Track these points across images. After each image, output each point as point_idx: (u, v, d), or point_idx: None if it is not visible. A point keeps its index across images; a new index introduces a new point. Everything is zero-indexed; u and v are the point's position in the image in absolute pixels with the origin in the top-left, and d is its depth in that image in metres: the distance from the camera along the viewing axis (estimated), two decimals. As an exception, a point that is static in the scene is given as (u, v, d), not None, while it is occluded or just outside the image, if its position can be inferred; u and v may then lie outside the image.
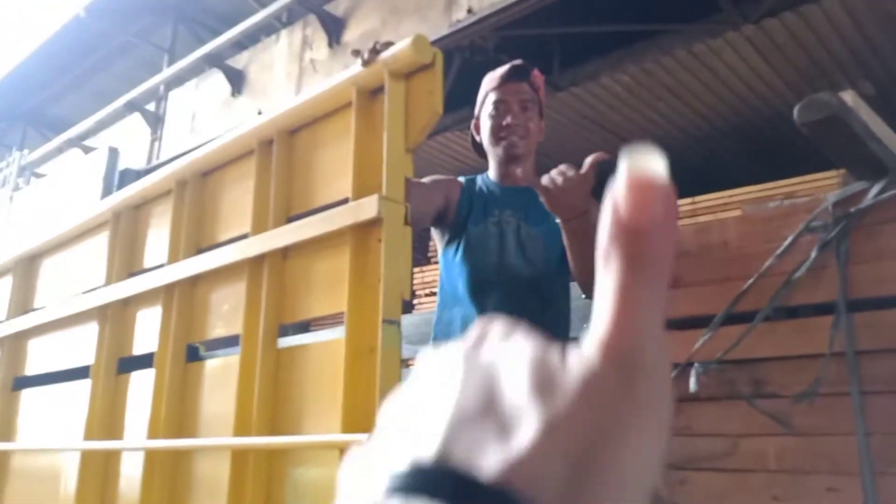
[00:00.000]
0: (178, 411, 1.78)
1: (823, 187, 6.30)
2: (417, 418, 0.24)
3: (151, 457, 1.77)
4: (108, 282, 2.18)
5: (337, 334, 1.46)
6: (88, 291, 2.30)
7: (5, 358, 2.64)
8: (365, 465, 0.24)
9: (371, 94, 1.50)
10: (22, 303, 2.72)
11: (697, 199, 6.73)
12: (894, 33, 5.39)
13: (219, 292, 1.78)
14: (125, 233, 2.19)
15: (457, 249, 1.84)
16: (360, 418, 1.29)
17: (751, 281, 1.30)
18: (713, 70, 6.03)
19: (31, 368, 2.54)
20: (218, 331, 1.75)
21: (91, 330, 2.19)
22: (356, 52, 1.46)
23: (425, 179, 1.90)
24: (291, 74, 7.67)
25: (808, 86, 6.13)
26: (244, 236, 1.72)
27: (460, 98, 5.93)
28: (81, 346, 2.24)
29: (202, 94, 8.95)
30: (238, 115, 8.07)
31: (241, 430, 1.54)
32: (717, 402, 1.43)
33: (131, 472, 1.89)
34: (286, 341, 1.60)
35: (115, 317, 2.12)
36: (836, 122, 1.20)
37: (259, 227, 1.67)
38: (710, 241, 1.48)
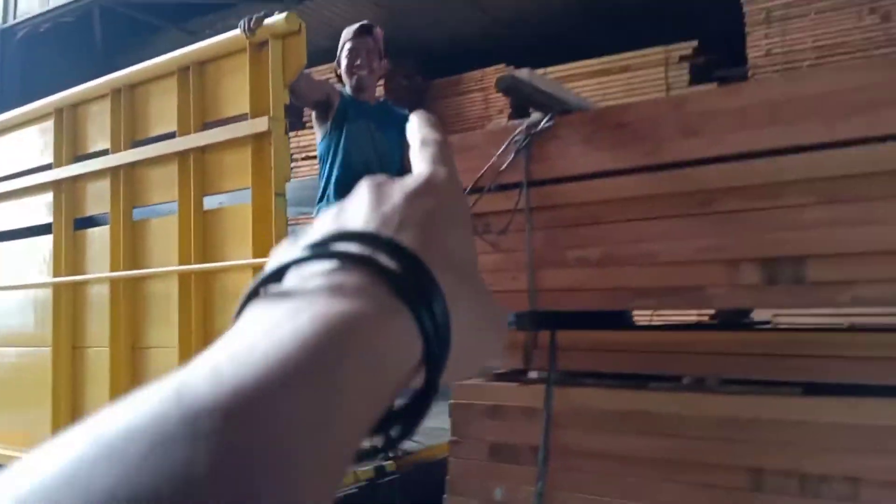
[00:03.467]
0: (131, 254, 2.66)
1: (653, 61, 7.41)
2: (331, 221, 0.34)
3: (116, 284, 2.66)
4: (58, 164, 2.94)
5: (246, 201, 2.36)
6: (38, 170, 3.04)
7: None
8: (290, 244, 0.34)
9: (258, 46, 2.33)
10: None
11: (549, 69, 7.74)
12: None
13: (154, 172, 2.62)
14: (68, 125, 2.92)
15: (339, 139, 2.82)
16: (264, 250, 2.24)
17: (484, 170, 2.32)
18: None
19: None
20: (157, 198, 2.61)
21: (46, 199, 2.97)
22: (243, 24, 2.28)
23: (316, 76, 2.81)
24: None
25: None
26: (171, 134, 2.55)
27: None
28: (39, 211, 3.01)
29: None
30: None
31: (183, 262, 2.46)
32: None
33: (99, 300, 2.77)
34: (210, 204, 2.49)
35: (68, 189, 2.91)
36: (521, 86, 2.21)
37: (183, 129, 2.51)
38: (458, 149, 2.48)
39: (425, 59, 8.54)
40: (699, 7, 8.05)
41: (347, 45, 3.00)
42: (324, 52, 8.62)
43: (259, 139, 2.29)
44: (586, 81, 7.69)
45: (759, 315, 2.99)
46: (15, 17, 9.18)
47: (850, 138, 1.83)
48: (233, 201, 2.51)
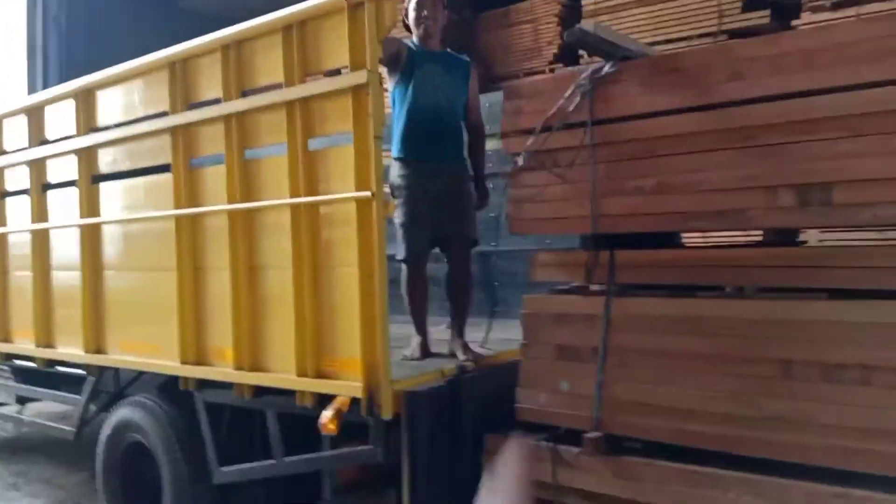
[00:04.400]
0: (245, 189, 3.11)
1: None
2: None
3: (234, 214, 3.11)
4: (173, 111, 3.37)
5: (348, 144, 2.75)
6: (156, 116, 3.48)
7: (85, 162, 3.85)
8: None
9: (354, 7, 2.68)
10: (87, 122, 3.86)
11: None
12: None
13: (264, 118, 3.04)
14: (181, 77, 3.34)
15: (407, 87, 3.18)
16: (365, 185, 2.65)
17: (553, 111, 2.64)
18: None
19: (114, 167, 3.76)
20: (267, 140, 3.03)
21: (165, 141, 3.41)
22: None
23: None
24: None
25: None
26: (278, 85, 2.95)
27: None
28: (158, 152, 3.47)
29: None
30: None
31: (293, 195, 2.89)
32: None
33: (216, 230, 3.22)
34: (316, 145, 2.90)
35: (184, 133, 3.35)
36: (587, 38, 2.53)
37: (289, 81, 2.90)
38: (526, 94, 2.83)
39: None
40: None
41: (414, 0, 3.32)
42: None
43: (357, 89, 2.67)
44: (638, 11, 7.60)
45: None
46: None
47: (874, 81, 2.14)
48: (331, 144, 2.91)
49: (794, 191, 2.29)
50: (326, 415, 2.71)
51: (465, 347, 3.19)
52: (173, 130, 3.39)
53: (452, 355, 3.19)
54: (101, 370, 3.95)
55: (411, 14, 3.32)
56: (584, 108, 2.66)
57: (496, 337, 3.53)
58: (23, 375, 4.75)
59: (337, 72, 2.86)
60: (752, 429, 2.34)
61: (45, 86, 8.17)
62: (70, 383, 4.31)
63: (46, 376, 4.45)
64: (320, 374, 2.90)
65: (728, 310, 2.46)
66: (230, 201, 3.15)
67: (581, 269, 2.79)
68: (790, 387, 2.30)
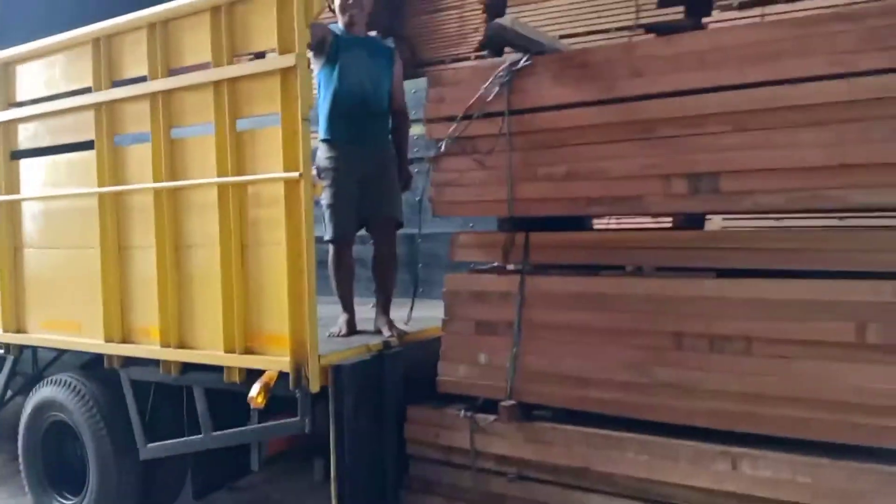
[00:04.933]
0: (171, 168, 3.15)
1: None
2: None
3: (159, 192, 3.16)
4: (97, 88, 3.36)
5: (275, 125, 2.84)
6: (78, 92, 3.46)
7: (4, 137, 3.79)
8: None
9: (283, -10, 2.77)
10: (6, 97, 3.80)
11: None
12: None
13: (190, 97, 3.08)
14: (105, 53, 3.34)
15: (333, 71, 3.26)
16: (293, 166, 2.75)
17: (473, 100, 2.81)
18: None
19: (35, 143, 3.72)
20: (194, 119, 3.08)
21: (88, 117, 3.41)
22: None
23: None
24: None
25: None
26: (205, 65, 3.00)
27: None
28: (81, 129, 3.46)
29: None
30: None
31: (221, 174, 2.96)
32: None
33: (142, 208, 3.25)
34: (243, 125, 2.97)
35: (108, 110, 3.35)
36: (505, 33, 2.71)
37: (217, 61, 2.96)
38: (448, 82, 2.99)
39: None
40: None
41: None
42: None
43: (286, 72, 2.75)
44: (559, 2, 7.84)
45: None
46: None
47: (757, 81, 2.38)
48: (258, 125, 2.99)
49: (686, 179, 2.53)
50: (255, 388, 2.81)
51: (390, 324, 3.33)
52: (97, 107, 3.38)
53: (378, 332, 3.33)
54: (21, 349, 3.91)
55: (338, 0, 3.40)
56: (503, 98, 2.84)
57: (419, 315, 3.69)
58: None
59: (262, 54, 2.94)
60: (647, 395, 2.59)
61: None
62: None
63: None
64: (247, 351, 2.98)
65: (627, 287, 2.69)
66: (156, 180, 3.19)
67: (498, 250, 2.97)
68: (681, 357, 2.55)
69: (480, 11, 8.13)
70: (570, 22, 7.67)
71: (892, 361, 2.21)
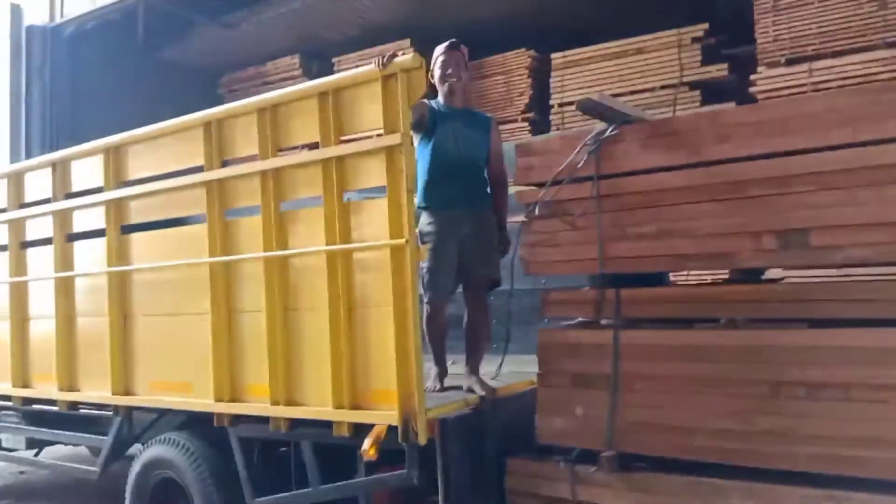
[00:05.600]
0: (281, 238, 3.41)
1: (666, 43, 7.96)
2: None
3: (270, 261, 3.41)
4: (208, 167, 3.67)
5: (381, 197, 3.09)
6: (188, 171, 3.78)
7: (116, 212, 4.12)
8: None
9: (386, 77, 3.05)
10: (118, 175, 4.14)
11: (567, 52, 8.31)
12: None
13: (299, 174, 3.37)
14: (216, 135, 3.66)
15: (430, 142, 3.52)
16: (399, 233, 2.98)
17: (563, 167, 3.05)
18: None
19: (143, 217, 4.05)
20: (305, 193, 3.36)
21: (199, 194, 3.71)
22: (377, 61, 3.00)
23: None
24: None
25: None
26: (315, 145, 3.29)
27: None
28: (192, 202, 3.76)
29: (103, -47, 9.20)
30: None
31: (329, 243, 3.21)
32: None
33: (250, 275, 3.51)
34: (349, 197, 3.23)
35: (219, 188, 3.65)
36: (595, 106, 2.95)
37: (325, 140, 3.24)
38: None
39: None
40: (709, -8, 8.66)
41: (441, 59, 3.65)
42: (356, 42, 9.30)
43: (391, 149, 3.02)
44: (603, 64, 8.16)
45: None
46: (62, 16, 9.75)
47: (839, 144, 2.56)
48: (363, 197, 3.25)
49: (776, 236, 2.69)
50: (367, 442, 2.99)
51: (481, 382, 3.48)
52: (208, 184, 3.68)
53: (469, 391, 3.48)
54: (130, 410, 4.15)
55: (437, 72, 3.65)
56: (591, 164, 3.05)
57: (504, 370, 3.85)
58: (33, 420, 4.90)
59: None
60: (747, 442, 2.70)
61: (28, 134, 8.45)
62: (84, 426, 4.51)
63: (58, 421, 4.62)
64: (355, 406, 3.18)
65: (722, 339, 2.83)
66: (266, 249, 3.45)
67: (589, 306, 3.14)
68: (779, 404, 2.67)
69: (526, 76, 8.52)
70: (616, 82, 7.97)
71: None
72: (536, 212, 3.14)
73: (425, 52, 3.60)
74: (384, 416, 3.05)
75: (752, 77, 6.82)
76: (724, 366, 2.79)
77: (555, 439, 3.16)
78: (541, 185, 3.20)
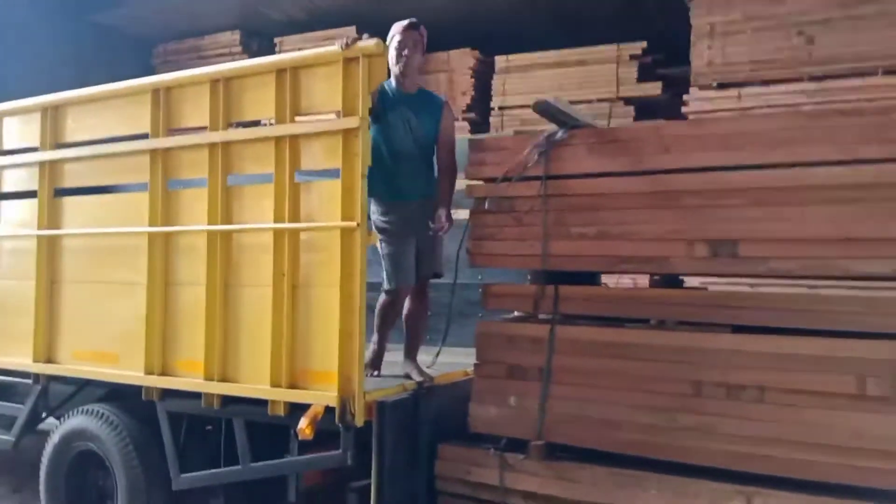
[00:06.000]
0: (226, 212, 3.38)
1: (605, 58, 8.22)
2: None
3: (213, 234, 3.38)
4: (154, 135, 3.60)
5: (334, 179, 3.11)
6: (134, 138, 3.70)
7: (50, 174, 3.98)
8: None
9: (348, 60, 3.08)
10: (55, 136, 4.00)
11: (511, 57, 8.49)
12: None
13: (251, 150, 3.35)
14: (164, 104, 3.59)
15: (382, 127, 3.49)
16: (350, 216, 3.01)
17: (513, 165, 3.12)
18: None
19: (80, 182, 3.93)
20: (254, 169, 3.34)
21: (143, 161, 3.63)
22: (340, 43, 3.02)
23: None
24: None
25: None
26: (269, 122, 3.28)
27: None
28: (135, 169, 3.68)
29: None
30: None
31: (277, 221, 3.21)
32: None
33: (192, 248, 3.47)
34: (302, 178, 3.23)
35: (164, 157, 3.59)
36: (549, 108, 3.06)
37: (280, 118, 3.24)
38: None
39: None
40: (649, 12, 9.00)
41: (397, 38, 3.50)
42: (301, 24, 9.19)
43: (348, 132, 3.04)
44: (544, 72, 8.36)
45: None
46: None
47: (773, 163, 2.75)
48: (315, 178, 3.26)
49: (708, 244, 2.87)
50: (303, 421, 3.01)
51: (419, 369, 3.54)
52: (153, 152, 3.61)
53: (406, 376, 3.53)
54: (49, 380, 4.02)
55: (392, 52, 3.50)
56: (540, 164, 3.16)
57: (440, 360, 3.92)
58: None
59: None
60: (668, 437, 2.87)
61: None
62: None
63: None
64: (292, 386, 3.19)
65: (651, 338, 2.99)
66: (210, 223, 3.41)
67: (528, 300, 3.26)
68: (700, 403, 2.84)
69: (469, 76, 8.65)
70: (556, 90, 8.18)
71: (889, 411, 2.53)
72: (486, 206, 3.23)
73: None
74: (322, 396, 3.07)
75: (685, 97, 7.13)
76: (651, 364, 2.95)
77: (487, 428, 3.25)
78: (491, 180, 3.29)
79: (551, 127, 3.25)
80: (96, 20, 9.68)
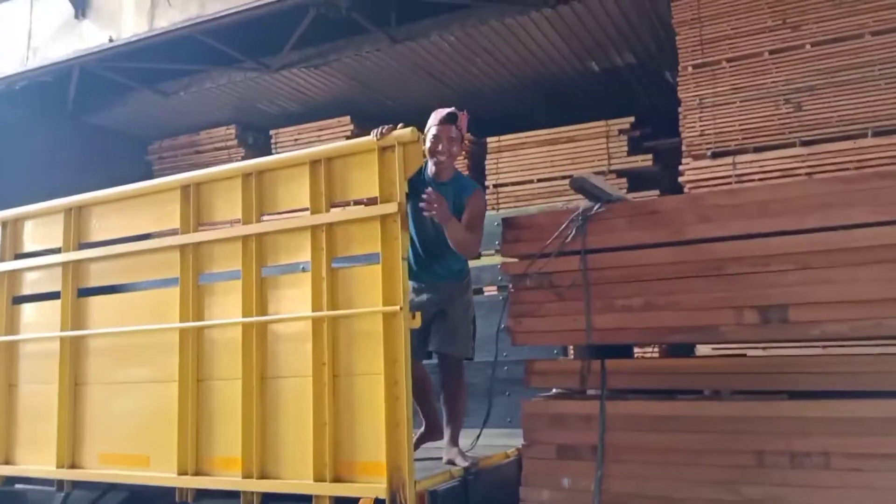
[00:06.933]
0: (261, 303, 3.35)
1: (595, 133, 8.44)
2: None
3: (248, 326, 3.33)
4: (185, 230, 3.60)
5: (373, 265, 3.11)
6: (165, 234, 3.69)
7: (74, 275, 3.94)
8: None
9: (383, 149, 3.12)
10: (78, 236, 3.99)
11: (502, 137, 8.70)
12: (648, 19, 7.57)
13: (283, 242, 3.35)
14: (194, 199, 3.60)
15: (413, 211, 3.48)
16: (392, 300, 2.99)
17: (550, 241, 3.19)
18: (519, 37, 7.83)
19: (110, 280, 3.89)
20: (289, 258, 3.33)
21: (173, 257, 3.61)
22: (375, 133, 3.07)
23: None
24: (142, 5, 8.12)
25: (587, 54, 8.27)
26: (305, 209, 3.29)
27: (310, 42, 7.47)
28: (163, 265, 3.65)
29: (38, 13, 8.97)
30: (84, 40, 8.48)
31: (316, 309, 3.17)
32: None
33: (225, 341, 3.42)
34: (338, 264, 3.23)
35: (195, 253, 3.57)
36: (585, 184, 3.12)
37: (315, 208, 3.26)
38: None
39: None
40: (636, 87, 9.33)
41: (433, 130, 3.45)
42: (295, 116, 9.37)
43: (386, 218, 3.07)
44: (535, 149, 8.57)
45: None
46: (-8, 76, 9.40)
47: (814, 227, 2.79)
48: (353, 263, 3.26)
49: (756, 311, 2.87)
50: (355, 515, 2.91)
51: (462, 454, 3.45)
52: (183, 248, 3.60)
53: (450, 462, 3.43)
54: (74, 485, 3.86)
55: (428, 144, 3.47)
56: (578, 239, 3.18)
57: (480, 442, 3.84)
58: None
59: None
60: (734, 511, 2.79)
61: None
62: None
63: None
64: (337, 479, 3.09)
65: (707, 410, 2.95)
66: (245, 315, 3.37)
67: (574, 376, 3.21)
68: (764, 473, 2.78)
69: (462, 157, 8.83)
70: (548, 167, 8.37)
71: (960, 471, 2.49)
72: (528, 283, 3.23)
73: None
74: (371, 488, 2.98)
75: (681, 168, 7.29)
76: (708, 436, 2.90)
77: (540, 512, 3.15)
78: (527, 257, 3.30)
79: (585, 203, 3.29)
80: (90, 121, 9.82)
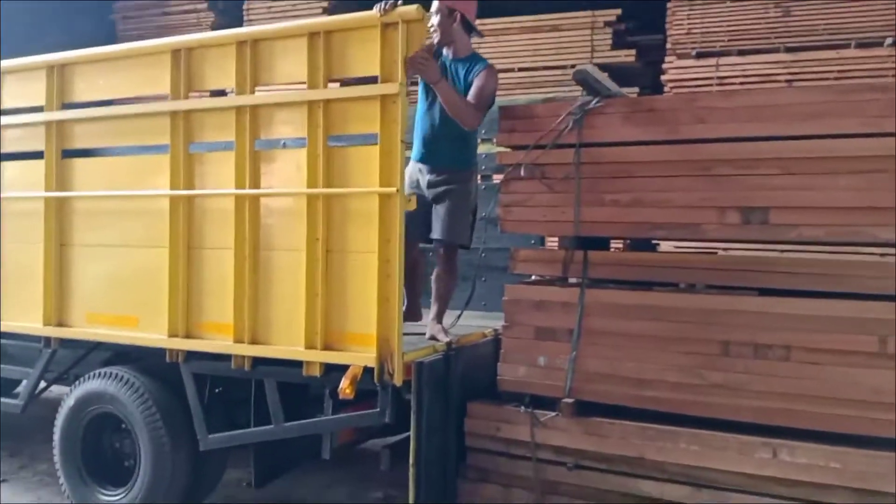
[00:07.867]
0: (254, 176, 3.36)
1: (579, 23, 8.26)
2: None
3: (242, 198, 3.36)
4: (175, 97, 3.53)
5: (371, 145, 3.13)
6: (154, 98, 3.62)
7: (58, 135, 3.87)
8: None
9: (386, 25, 3.07)
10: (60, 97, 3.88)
11: (484, 20, 8.46)
12: None
13: (281, 115, 3.33)
14: (185, 65, 3.52)
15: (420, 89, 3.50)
16: (389, 182, 3.04)
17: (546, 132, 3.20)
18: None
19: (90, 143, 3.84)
20: (281, 133, 3.32)
21: (163, 123, 3.57)
22: (379, 7, 3.01)
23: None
24: None
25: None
26: (301, 83, 3.26)
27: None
28: (152, 131, 3.61)
29: None
30: None
31: (311, 186, 3.21)
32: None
33: (219, 211, 3.45)
34: (335, 143, 3.24)
35: (186, 120, 3.52)
36: (587, 77, 3.13)
37: (312, 83, 3.22)
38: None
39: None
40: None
41: (433, 8, 3.48)
42: None
43: (386, 98, 3.06)
44: (518, 37, 8.35)
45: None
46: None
47: (803, 134, 2.89)
48: (351, 143, 3.27)
49: (739, 211, 3.01)
50: (344, 381, 3.07)
51: (444, 330, 3.61)
52: (174, 114, 3.55)
53: (432, 338, 3.59)
54: (61, 343, 3.95)
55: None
56: (574, 132, 3.24)
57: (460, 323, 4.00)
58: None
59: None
60: (697, 394, 3.03)
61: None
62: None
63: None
64: (327, 347, 3.23)
65: (680, 301, 3.13)
66: (238, 186, 3.39)
67: (557, 265, 3.36)
68: (728, 362, 3.01)
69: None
70: (530, 56, 8.24)
71: (908, 368, 2.74)
72: (522, 173, 3.29)
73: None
74: (360, 357, 3.13)
75: (664, 66, 7.27)
76: (680, 325, 3.09)
77: (516, 387, 3.36)
78: (522, 147, 3.36)
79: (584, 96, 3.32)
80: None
